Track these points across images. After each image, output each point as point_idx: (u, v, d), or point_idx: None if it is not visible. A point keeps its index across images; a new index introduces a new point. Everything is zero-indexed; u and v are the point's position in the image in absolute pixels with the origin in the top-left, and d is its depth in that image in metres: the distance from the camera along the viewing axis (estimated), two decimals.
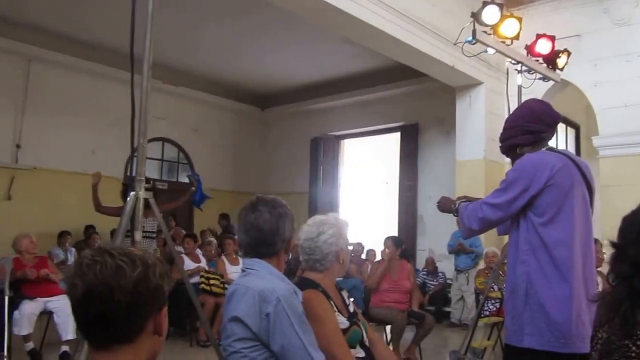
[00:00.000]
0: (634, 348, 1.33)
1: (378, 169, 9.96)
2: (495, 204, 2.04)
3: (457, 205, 2.23)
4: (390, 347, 4.67)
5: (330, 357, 1.77)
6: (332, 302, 1.94)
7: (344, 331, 1.91)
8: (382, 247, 5.39)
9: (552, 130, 2.16)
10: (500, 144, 2.26)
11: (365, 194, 10.03)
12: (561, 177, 1.98)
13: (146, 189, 2.42)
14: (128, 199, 2.36)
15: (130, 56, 2.42)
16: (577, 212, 2.00)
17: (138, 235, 2.41)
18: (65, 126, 7.92)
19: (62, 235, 6.92)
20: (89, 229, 7.47)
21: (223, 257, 6.23)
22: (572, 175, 2.02)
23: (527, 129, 2.12)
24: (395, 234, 8.37)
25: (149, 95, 2.47)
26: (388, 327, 5.10)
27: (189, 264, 6.04)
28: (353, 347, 1.93)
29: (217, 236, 7.55)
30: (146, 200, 2.42)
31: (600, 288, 3.45)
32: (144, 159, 2.45)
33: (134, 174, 2.44)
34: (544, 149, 2.12)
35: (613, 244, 1.50)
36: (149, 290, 0.97)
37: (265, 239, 1.69)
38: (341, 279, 5.35)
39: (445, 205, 2.30)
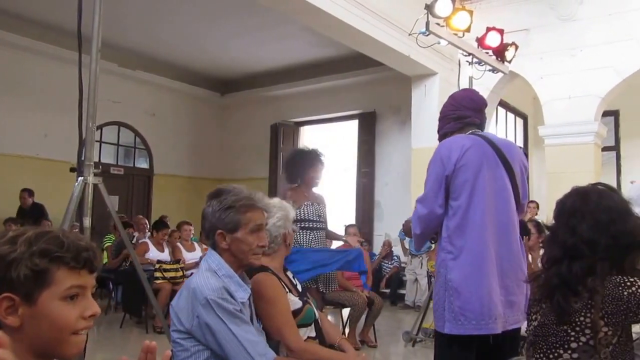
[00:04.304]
0: (572, 333, 1.40)
1: (336, 155, 10.05)
2: (422, 199, 2.10)
3: None
4: (347, 330, 4.82)
5: (280, 337, 1.82)
6: (282, 283, 1.97)
7: (299, 310, 1.94)
8: (343, 233, 5.56)
9: (477, 115, 2.22)
10: (437, 137, 2.33)
11: (323, 180, 10.11)
12: (470, 157, 2.03)
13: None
14: (76, 184, 2.34)
15: (77, 37, 2.37)
16: (489, 192, 2.03)
17: (87, 222, 2.39)
18: (14, 108, 7.56)
19: (7, 222, 6.46)
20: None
21: (179, 244, 6.18)
22: (483, 155, 2.05)
23: (452, 116, 2.21)
24: (353, 219, 8.58)
25: (98, 78, 2.44)
26: (344, 311, 5.23)
27: (155, 253, 5.83)
28: (308, 325, 1.96)
29: None
30: (95, 186, 2.40)
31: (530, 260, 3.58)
32: (93, 143, 2.43)
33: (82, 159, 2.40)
34: (467, 133, 2.17)
35: (547, 227, 1.59)
36: None
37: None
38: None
39: (407, 226, 2.42)
